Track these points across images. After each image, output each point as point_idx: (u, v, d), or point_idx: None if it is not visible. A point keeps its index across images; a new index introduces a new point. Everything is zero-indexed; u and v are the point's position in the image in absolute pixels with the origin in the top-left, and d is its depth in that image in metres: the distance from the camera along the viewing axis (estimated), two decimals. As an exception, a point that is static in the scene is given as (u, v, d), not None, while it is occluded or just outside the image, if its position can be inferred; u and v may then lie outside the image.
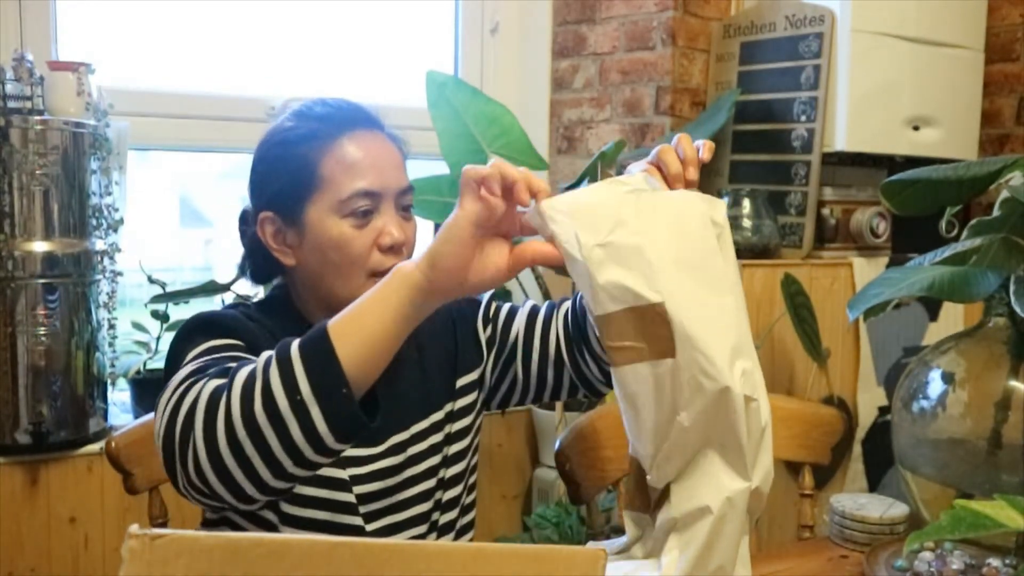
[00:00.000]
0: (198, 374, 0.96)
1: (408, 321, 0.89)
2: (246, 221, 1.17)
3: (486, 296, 1.28)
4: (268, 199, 1.11)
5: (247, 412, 0.86)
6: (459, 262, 0.88)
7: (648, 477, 0.91)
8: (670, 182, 0.95)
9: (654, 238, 0.89)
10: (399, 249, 1.09)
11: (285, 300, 1.16)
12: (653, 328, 0.86)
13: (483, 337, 1.24)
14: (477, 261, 0.90)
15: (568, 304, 1.22)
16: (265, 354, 0.90)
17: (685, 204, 0.93)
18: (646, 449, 0.90)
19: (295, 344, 0.88)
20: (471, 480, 1.24)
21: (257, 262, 1.17)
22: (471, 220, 0.87)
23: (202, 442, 0.87)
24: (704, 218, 0.92)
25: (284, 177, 1.09)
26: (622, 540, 0.98)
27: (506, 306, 1.27)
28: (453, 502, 1.20)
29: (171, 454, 0.91)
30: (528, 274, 2.24)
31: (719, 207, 0.93)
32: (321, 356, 0.86)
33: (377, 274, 1.07)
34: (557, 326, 1.20)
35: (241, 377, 0.88)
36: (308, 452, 0.87)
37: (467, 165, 0.89)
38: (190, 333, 1.05)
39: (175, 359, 1.03)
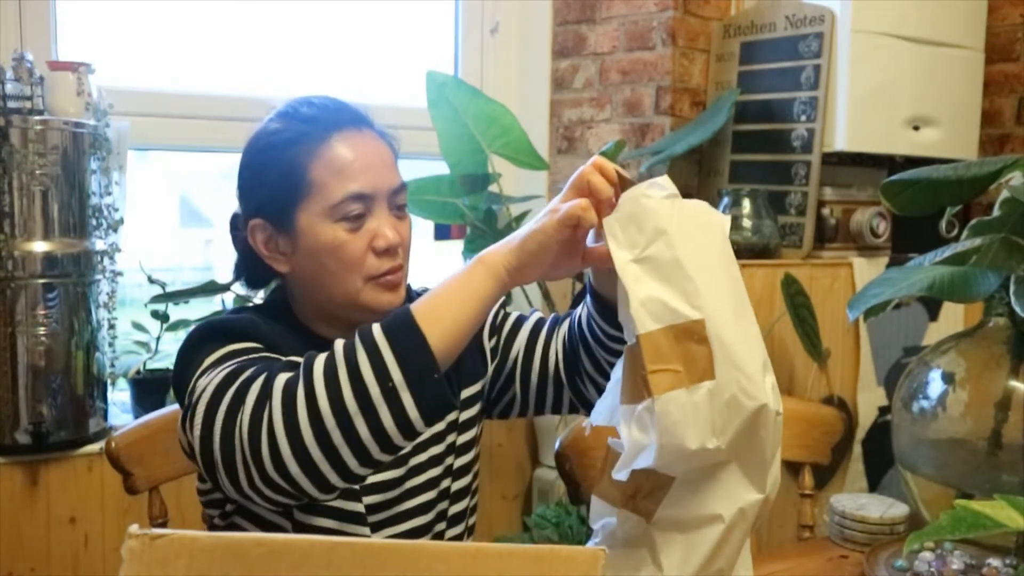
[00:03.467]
0: (244, 371, 0.94)
1: (489, 307, 0.94)
2: (237, 226, 1.13)
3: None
4: (257, 206, 1.08)
5: (335, 400, 0.87)
6: (544, 268, 0.95)
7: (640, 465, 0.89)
8: (599, 208, 0.95)
9: (690, 249, 0.87)
10: (394, 251, 1.07)
11: (283, 305, 1.13)
12: (692, 348, 0.84)
13: (487, 347, 1.22)
14: (555, 260, 0.96)
15: (567, 324, 1.20)
16: (340, 343, 0.91)
17: (708, 213, 0.92)
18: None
19: (378, 330, 0.90)
20: (473, 485, 1.23)
21: (251, 267, 1.14)
22: (561, 228, 0.92)
23: (284, 435, 0.87)
24: (723, 228, 0.91)
25: (272, 183, 1.06)
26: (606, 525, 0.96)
27: (512, 316, 1.25)
28: (458, 516, 1.19)
29: (232, 454, 0.90)
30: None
31: (727, 220, 0.93)
32: (412, 342, 0.88)
33: (373, 278, 1.06)
34: (557, 346, 1.19)
35: (320, 366, 0.89)
36: (397, 438, 0.89)
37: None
38: (202, 339, 1.03)
39: (188, 366, 1.01)
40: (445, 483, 1.17)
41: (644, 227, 0.88)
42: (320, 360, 0.90)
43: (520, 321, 1.24)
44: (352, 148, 1.06)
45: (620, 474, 0.86)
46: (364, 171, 1.05)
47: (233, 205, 1.15)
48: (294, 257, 1.07)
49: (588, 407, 1.19)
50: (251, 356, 0.99)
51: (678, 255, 0.87)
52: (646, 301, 0.85)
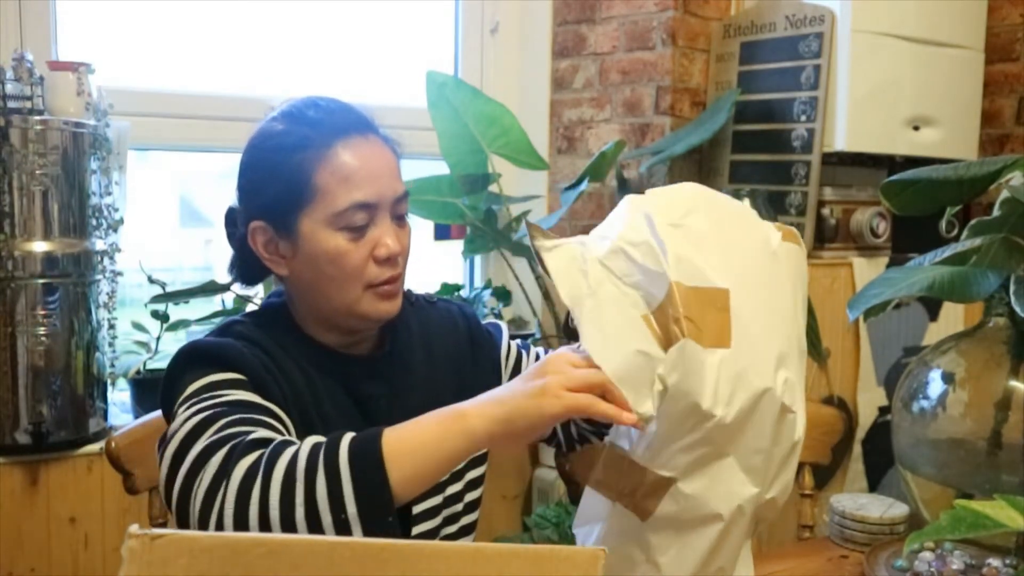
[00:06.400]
0: (216, 422, 0.93)
1: (457, 463, 0.91)
2: (234, 222, 1.12)
3: (504, 328, 1.28)
4: (259, 208, 1.07)
5: (286, 516, 0.84)
6: (524, 444, 0.95)
7: (638, 459, 0.90)
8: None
9: (721, 231, 0.92)
10: (395, 260, 1.07)
11: (282, 310, 1.13)
12: (713, 313, 0.87)
13: (502, 367, 1.23)
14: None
15: None
16: (308, 446, 0.88)
17: (745, 212, 0.98)
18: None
19: (345, 454, 0.87)
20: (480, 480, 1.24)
21: (247, 264, 1.13)
22: (561, 417, 0.88)
23: (231, 523, 0.85)
24: (762, 234, 0.95)
25: (276, 187, 1.05)
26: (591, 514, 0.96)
27: (515, 345, 1.26)
28: (469, 526, 1.20)
29: (185, 513, 0.90)
30: (528, 274, 2.24)
31: (775, 235, 0.95)
32: (373, 481, 0.86)
33: (373, 286, 1.06)
34: None
35: (281, 471, 0.86)
36: None
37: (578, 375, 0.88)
38: (189, 362, 1.02)
39: (173, 388, 1.01)
40: (450, 488, 1.17)
41: (682, 202, 0.94)
42: (282, 462, 0.86)
43: (521, 354, 1.26)
44: (358, 155, 1.05)
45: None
46: (370, 180, 1.04)
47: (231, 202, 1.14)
48: (294, 261, 1.07)
49: (569, 442, 1.22)
50: (229, 399, 0.97)
51: (708, 230, 0.91)
52: (681, 259, 0.88)
